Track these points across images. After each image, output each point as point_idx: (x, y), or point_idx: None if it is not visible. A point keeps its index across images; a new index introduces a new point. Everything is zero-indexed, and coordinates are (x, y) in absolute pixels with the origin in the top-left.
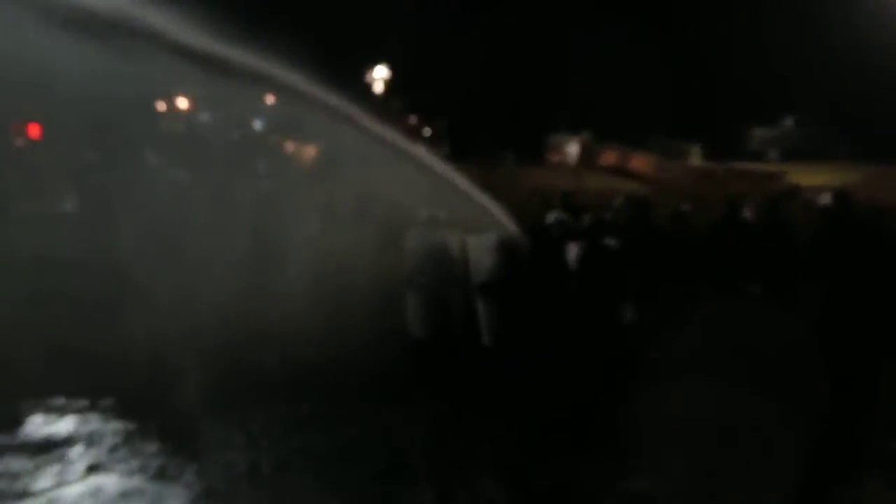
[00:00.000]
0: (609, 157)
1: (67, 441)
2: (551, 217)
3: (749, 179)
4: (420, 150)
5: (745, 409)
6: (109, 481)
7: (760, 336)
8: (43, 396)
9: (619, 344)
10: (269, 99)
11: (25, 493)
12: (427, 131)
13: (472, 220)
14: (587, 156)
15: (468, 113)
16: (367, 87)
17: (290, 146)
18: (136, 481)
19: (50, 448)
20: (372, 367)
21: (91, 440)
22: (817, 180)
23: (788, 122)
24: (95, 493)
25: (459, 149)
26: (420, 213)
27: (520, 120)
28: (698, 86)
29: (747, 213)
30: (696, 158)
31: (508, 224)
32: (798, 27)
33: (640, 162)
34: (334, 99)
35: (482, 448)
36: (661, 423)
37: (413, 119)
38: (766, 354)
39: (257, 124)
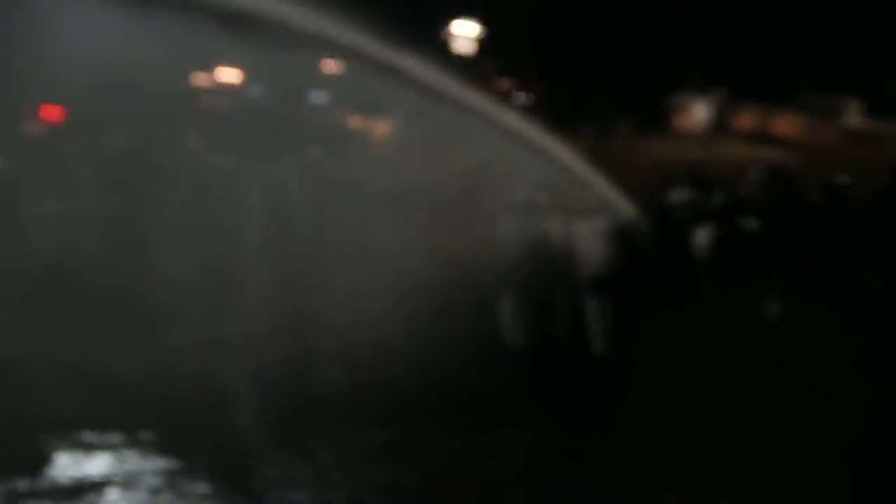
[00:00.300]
0: (746, 120)
1: (100, 484)
2: (675, 195)
3: None
4: (514, 120)
5: None
6: None
7: None
8: (70, 429)
9: (761, 347)
10: (331, 67)
11: None
12: (524, 97)
13: (579, 202)
14: (720, 119)
15: (574, 74)
16: (451, 47)
17: (357, 121)
18: None
19: (81, 493)
20: (462, 383)
21: (129, 482)
22: None
23: None
24: None
25: (565, 117)
26: (517, 195)
27: (637, 80)
28: (854, 28)
29: None
30: (854, 117)
31: (624, 205)
32: None
33: (785, 124)
34: (408, 62)
35: (597, 476)
36: (813, 447)
37: (506, 83)
38: None
39: (318, 97)
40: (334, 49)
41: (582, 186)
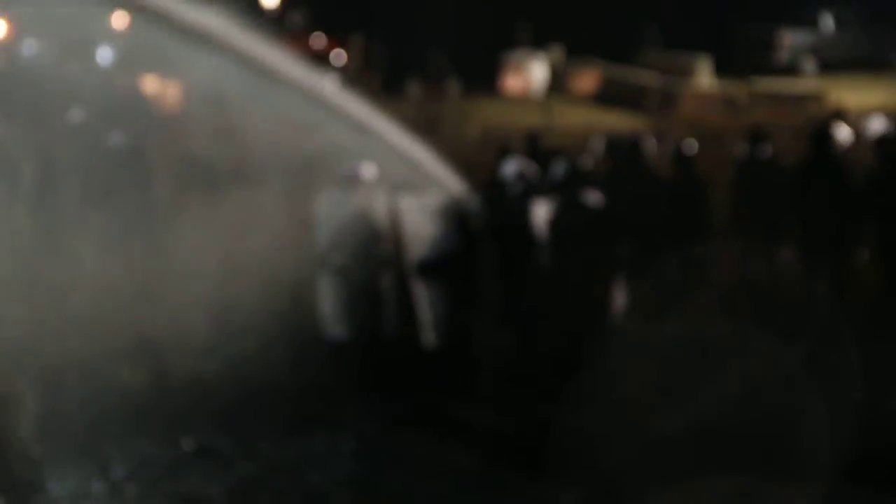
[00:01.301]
0: (586, 80)
1: None
2: (511, 167)
3: (778, 104)
4: (325, 85)
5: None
6: None
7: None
8: None
9: (605, 341)
10: (119, 21)
11: None
12: (341, 56)
13: (404, 176)
14: (557, 79)
15: (396, 27)
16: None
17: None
18: None
19: None
20: (276, 381)
21: None
22: (868, 100)
23: (827, 22)
24: None
25: (387, 78)
26: (334, 169)
27: (465, 35)
28: None
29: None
30: (704, 76)
31: (453, 180)
32: None
33: (630, 84)
34: (202, 15)
35: (428, 485)
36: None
37: (320, 40)
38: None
39: (104, 56)
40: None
41: (405, 159)
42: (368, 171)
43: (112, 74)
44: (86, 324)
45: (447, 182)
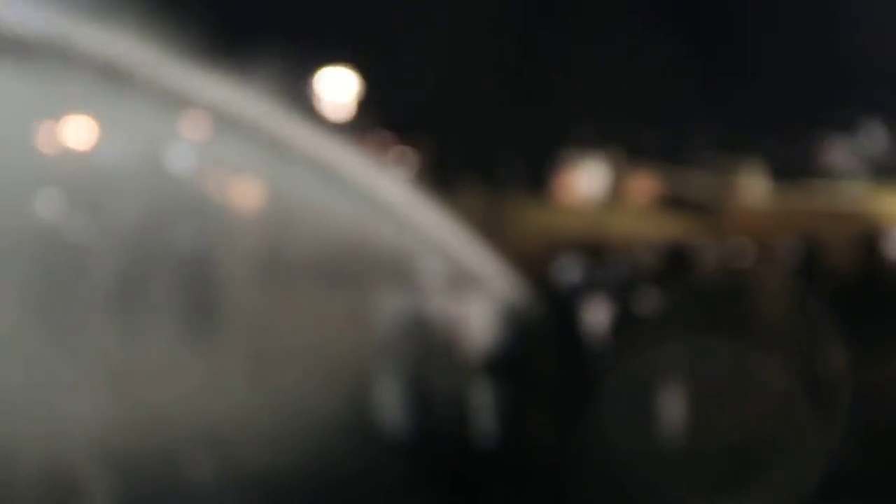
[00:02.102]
0: (642, 184)
1: None
2: (569, 271)
3: (831, 211)
4: (393, 185)
5: None
6: None
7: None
8: None
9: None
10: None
11: None
12: (405, 154)
13: (463, 277)
14: (613, 183)
15: (454, 127)
16: (322, 100)
17: (222, 187)
18: None
19: None
20: (335, 480)
21: None
22: None
23: (879, 128)
24: None
25: (449, 177)
26: (398, 269)
27: (520, 135)
28: (749, 82)
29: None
30: (757, 180)
31: (512, 282)
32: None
33: (682, 190)
34: (272, 117)
35: None
36: None
37: (381, 138)
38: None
39: (180, 161)
40: (200, 106)
41: (465, 261)
42: (431, 270)
43: (185, 177)
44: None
45: (505, 284)
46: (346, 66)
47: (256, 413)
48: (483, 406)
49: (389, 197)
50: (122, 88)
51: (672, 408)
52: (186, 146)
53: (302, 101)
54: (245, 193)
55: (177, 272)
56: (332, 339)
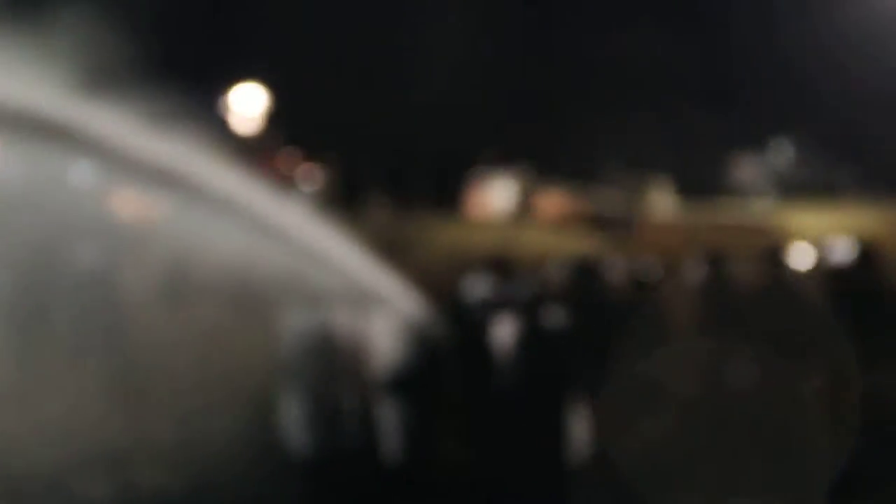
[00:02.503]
0: (551, 202)
1: None
2: (474, 287)
3: (736, 228)
4: (290, 209)
5: None
6: None
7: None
8: None
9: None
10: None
11: None
12: (311, 174)
13: (365, 297)
14: (522, 201)
15: (362, 147)
16: (231, 119)
17: (118, 200)
18: None
19: None
20: (239, 499)
21: None
22: (825, 225)
23: (786, 147)
24: None
25: (354, 196)
26: (300, 289)
27: (432, 154)
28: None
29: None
30: (665, 197)
31: (415, 301)
32: (795, 25)
33: (590, 207)
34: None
35: None
36: None
37: (286, 158)
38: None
39: (80, 174)
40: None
41: (365, 281)
42: (334, 290)
43: (80, 194)
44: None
45: (411, 302)
46: (256, 82)
47: (155, 433)
48: (389, 424)
49: (289, 219)
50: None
51: (581, 423)
52: (85, 166)
53: (213, 116)
54: (143, 214)
55: (76, 291)
56: (234, 358)
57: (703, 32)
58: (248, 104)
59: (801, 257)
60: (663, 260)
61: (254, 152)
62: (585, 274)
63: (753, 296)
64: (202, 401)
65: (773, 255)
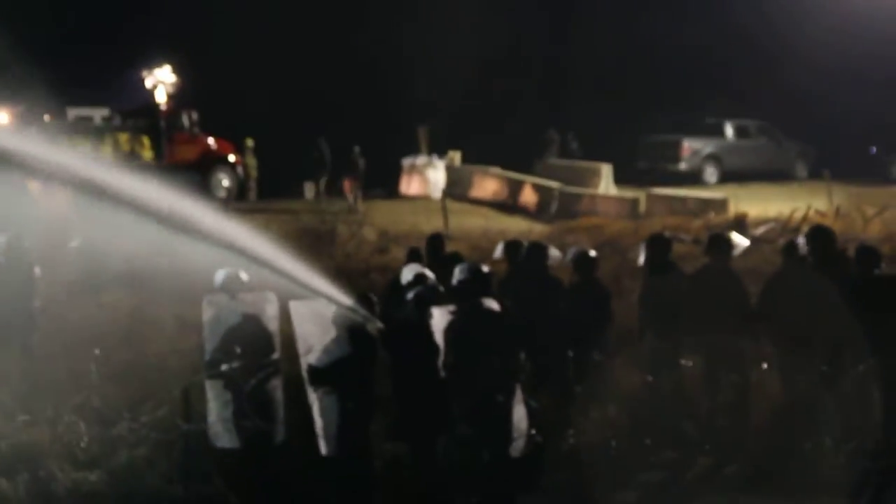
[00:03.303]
0: (486, 185)
1: None
2: (409, 272)
3: (680, 209)
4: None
5: None
6: None
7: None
8: None
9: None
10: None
11: None
12: (231, 155)
13: (294, 285)
14: (456, 184)
15: (289, 130)
16: (151, 95)
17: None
18: None
19: None
20: (160, 493)
21: None
22: (768, 208)
23: (728, 130)
24: None
25: (285, 180)
26: (217, 275)
27: (364, 137)
28: (603, 83)
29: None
30: (606, 183)
31: (339, 294)
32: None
33: (531, 191)
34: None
35: None
36: None
37: (211, 140)
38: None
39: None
40: None
41: (285, 276)
42: (251, 275)
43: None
44: None
45: (334, 296)
46: (176, 65)
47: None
48: (318, 412)
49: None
50: None
51: (521, 412)
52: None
53: (131, 97)
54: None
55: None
56: (161, 347)
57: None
58: (167, 87)
59: (739, 238)
60: (604, 241)
61: (172, 129)
62: (524, 254)
63: (696, 278)
64: (133, 389)
65: (715, 235)
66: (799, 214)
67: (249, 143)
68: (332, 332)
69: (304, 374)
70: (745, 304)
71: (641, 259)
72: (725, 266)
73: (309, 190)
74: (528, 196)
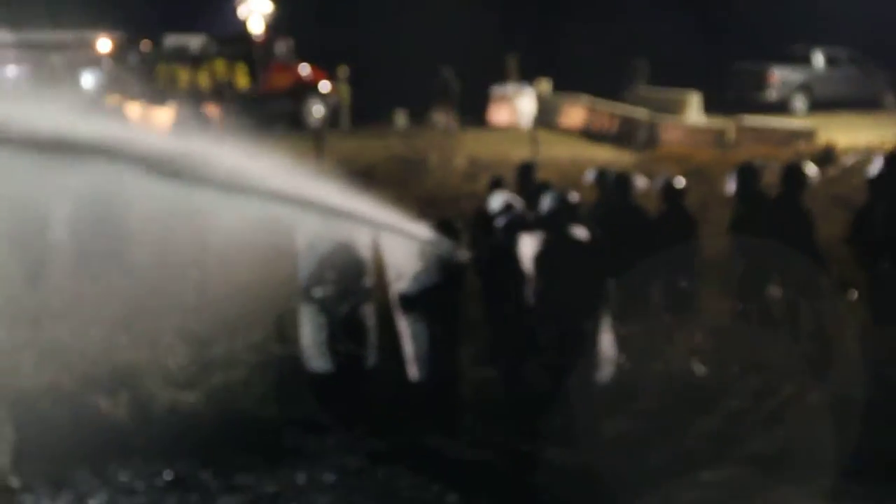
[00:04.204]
0: (575, 114)
1: None
2: (498, 200)
3: (769, 139)
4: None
5: None
6: None
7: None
8: None
9: (591, 377)
10: (103, 45)
11: None
12: (326, 85)
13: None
14: (545, 113)
15: (382, 60)
16: (243, 24)
17: (135, 109)
18: None
19: None
20: (255, 414)
21: None
22: (858, 138)
23: (818, 60)
24: None
25: (373, 110)
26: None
27: (453, 67)
28: (692, 14)
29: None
30: (693, 112)
31: (422, 230)
32: None
33: (619, 119)
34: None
35: None
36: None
37: (305, 69)
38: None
39: (87, 80)
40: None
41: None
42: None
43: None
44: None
45: (416, 234)
46: None
47: (176, 347)
48: (409, 338)
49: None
50: None
51: (608, 338)
52: None
53: (226, 24)
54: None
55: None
56: (257, 271)
57: None
58: (262, 14)
59: (812, 169)
60: (691, 170)
61: (268, 57)
62: (612, 183)
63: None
64: (227, 316)
65: (791, 166)
66: (889, 145)
67: (343, 71)
68: (422, 260)
69: (395, 300)
70: (811, 239)
71: (730, 188)
72: (795, 200)
73: (400, 118)
74: (617, 124)
